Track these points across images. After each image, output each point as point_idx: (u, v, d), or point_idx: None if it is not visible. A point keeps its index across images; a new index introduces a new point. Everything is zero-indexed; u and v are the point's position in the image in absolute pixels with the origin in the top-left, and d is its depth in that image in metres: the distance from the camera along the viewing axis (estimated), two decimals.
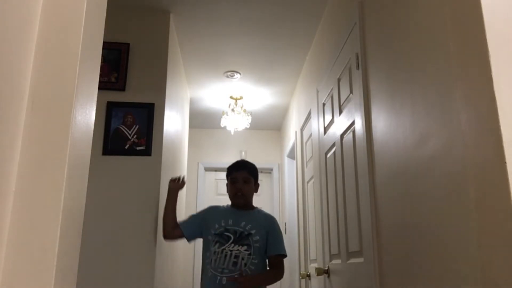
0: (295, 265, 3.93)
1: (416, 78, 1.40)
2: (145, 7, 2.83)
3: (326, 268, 2.52)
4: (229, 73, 3.80)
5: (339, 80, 2.37)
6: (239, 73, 3.81)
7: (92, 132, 0.96)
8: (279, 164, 5.19)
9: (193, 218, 2.35)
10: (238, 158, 5.33)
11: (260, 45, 3.33)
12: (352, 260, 2.07)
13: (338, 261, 2.31)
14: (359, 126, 1.98)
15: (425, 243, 1.31)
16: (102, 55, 2.26)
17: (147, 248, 2.33)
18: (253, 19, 2.99)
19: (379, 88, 1.76)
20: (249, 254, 2.10)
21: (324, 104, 2.72)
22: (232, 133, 4.52)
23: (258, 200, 5.20)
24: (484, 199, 0.98)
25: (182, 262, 4.09)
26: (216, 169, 5.17)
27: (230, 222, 2.17)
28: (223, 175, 5.13)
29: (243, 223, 2.16)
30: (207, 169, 5.16)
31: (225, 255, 2.10)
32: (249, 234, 2.13)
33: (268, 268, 2.20)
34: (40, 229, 0.75)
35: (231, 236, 2.13)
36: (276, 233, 2.21)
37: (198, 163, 5.12)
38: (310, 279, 3.16)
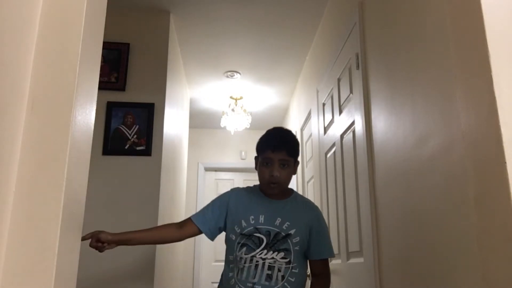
0: None
1: (416, 78, 1.40)
2: (145, 7, 2.83)
3: None
4: (229, 73, 3.80)
5: (339, 80, 2.37)
6: (239, 73, 3.81)
7: (92, 132, 0.96)
8: None
9: (212, 207, 1.74)
10: (238, 158, 5.37)
11: (260, 45, 3.33)
12: (352, 260, 2.07)
13: (338, 261, 2.31)
14: (359, 126, 1.98)
15: (425, 243, 1.31)
16: (102, 55, 2.27)
17: (147, 248, 2.33)
18: (253, 19, 2.99)
19: (379, 88, 1.76)
20: (288, 263, 1.59)
21: (324, 104, 2.72)
22: (232, 133, 4.52)
23: None
24: (484, 199, 0.98)
25: (182, 261, 4.09)
26: (216, 169, 5.17)
27: (262, 219, 1.64)
28: (223, 175, 5.20)
29: (278, 220, 1.63)
30: (207, 169, 5.16)
31: (256, 265, 1.60)
32: (288, 236, 1.61)
33: (311, 277, 1.70)
34: (40, 229, 0.75)
35: (264, 238, 1.62)
36: (323, 229, 1.67)
37: (198, 163, 5.11)
38: (310, 279, 3.15)
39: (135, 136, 2.54)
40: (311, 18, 2.96)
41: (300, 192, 3.74)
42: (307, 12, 2.90)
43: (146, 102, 2.62)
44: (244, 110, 4.24)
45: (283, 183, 1.65)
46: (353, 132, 2.08)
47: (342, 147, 2.27)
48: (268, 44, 3.32)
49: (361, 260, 1.92)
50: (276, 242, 1.60)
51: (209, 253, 4.89)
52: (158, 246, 2.40)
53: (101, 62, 1.69)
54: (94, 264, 2.18)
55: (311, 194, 3.24)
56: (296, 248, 1.60)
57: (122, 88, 2.62)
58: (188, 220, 1.69)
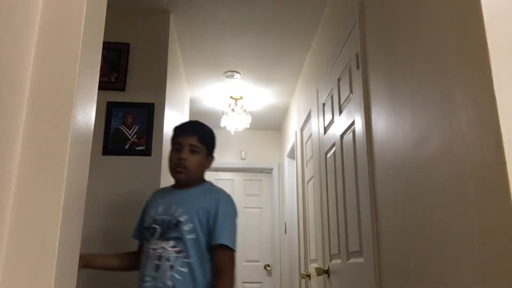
0: (295, 265, 3.93)
1: (416, 78, 1.40)
2: (145, 7, 2.83)
3: (326, 268, 2.52)
4: (229, 73, 3.80)
5: (339, 80, 2.37)
6: (239, 73, 3.81)
7: (92, 132, 0.96)
8: (279, 164, 5.19)
9: (141, 214, 1.77)
10: (238, 158, 5.37)
11: (260, 45, 3.33)
12: (352, 260, 2.07)
13: (338, 261, 2.31)
14: (359, 126, 1.98)
15: (425, 243, 1.31)
16: (102, 55, 2.27)
17: None
18: (253, 19, 2.99)
19: (379, 88, 1.76)
20: (179, 252, 1.49)
21: (324, 104, 2.72)
22: (232, 133, 4.52)
23: (259, 200, 5.25)
24: (484, 199, 0.98)
25: None
26: (216, 169, 5.17)
27: (160, 209, 1.59)
28: (223, 175, 5.21)
29: (173, 208, 1.56)
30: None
31: (148, 256, 1.54)
32: (178, 223, 1.52)
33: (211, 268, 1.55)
34: (40, 229, 0.75)
35: (158, 228, 1.56)
36: (222, 215, 1.56)
37: None
38: (310, 279, 3.16)
39: (135, 136, 2.54)
40: (311, 18, 2.96)
41: (300, 192, 3.73)
42: (307, 12, 2.90)
43: (146, 102, 2.62)
44: (244, 110, 4.24)
45: (191, 169, 1.62)
46: (353, 132, 2.08)
47: (342, 147, 2.27)
48: (268, 44, 3.32)
49: (361, 260, 1.92)
50: (167, 230, 1.53)
51: None
52: None
53: (101, 62, 1.69)
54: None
55: (311, 194, 3.24)
56: (191, 236, 1.51)
57: (122, 88, 2.62)
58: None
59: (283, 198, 4.83)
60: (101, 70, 1.31)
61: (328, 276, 2.49)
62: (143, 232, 1.62)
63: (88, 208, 1.00)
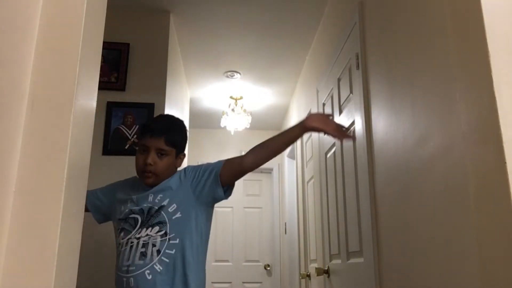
0: (295, 265, 3.93)
1: (416, 78, 1.40)
2: (145, 7, 2.83)
3: (326, 268, 2.52)
4: (229, 73, 3.80)
5: (339, 80, 2.37)
6: (239, 73, 3.81)
7: (92, 132, 0.96)
8: (279, 164, 5.18)
9: (106, 190, 1.71)
10: None
11: (260, 45, 3.33)
12: (352, 260, 2.07)
13: (338, 261, 2.31)
14: (359, 126, 1.98)
15: (425, 243, 1.31)
16: (102, 55, 2.26)
17: None
18: (253, 19, 2.99)
19: (379, 88, 1.76)
20: (164, 235, 1.46)
21: (324, 104, 2.72)
22: (232, 133, 4.52)
23: (259, 200, 5.25)
24: (484, 199, 0.98)
25: None
26: None
27: (135, 199, 1.54)
28: None
29: (151, 196, 1.52)
30: None
31: (131, 247, 1.48)
32: (161, 208, 1.49)
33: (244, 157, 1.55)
34: (40, 229, 0.75)
35: (139, 217, 1.51)
36: (199, 168, 1.57)
37: (198, 163, 5.11)
38: (310, 279, 3.16)
39: (135, 136, 2.55)
40: (311, 18, 2.96)
41: (300, 192, 3.73)
42: (307, 12, 2.90)
43: (146, 102, 2.62)
44: (244, 110, 4.24)
45: (160, 173, 1.54)
46: (353, 132, 2.08)
47: (342, 147, 2.27)
48: (268, 44, 3.32)
49: (361, 260, 1.92)
50: (150, 217, 1.49)
51: (209, 253, 4.87)
52: None
53: (101, 62, 1.69)
54: (95, 264, 2.18)
55: (311, 194, 3.24)
56: (176, 216, 1.48)
57: (122, 88, 2.62)
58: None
59: (283, 198, 4.83)
60: (101, 70, 1.31)
61: (328, 276, 2.49)
62: (120, 224, 1.54)
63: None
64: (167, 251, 1.45)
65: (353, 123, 2.09)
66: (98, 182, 2.39)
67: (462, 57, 1.08)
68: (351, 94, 2.14)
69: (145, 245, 1.46)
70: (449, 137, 1.17)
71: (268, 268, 4.95)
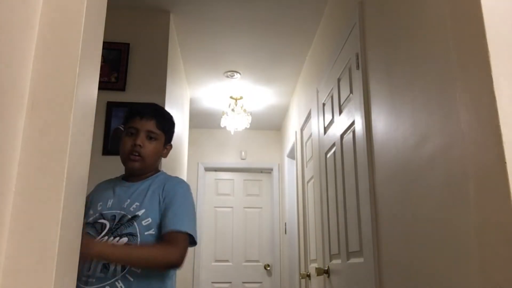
0: (295, 265, 3.93)
1: (416, 78, 1.40)
2: (145, 7, 2.83)
3: (326, 268, 2.52)
4: (229, 73, 3.80)
5: (339, 80, 2.37)
6: (239, 73, 3.81)
7: (92, 132, 0.96)
8: (279, 164, 5.19)
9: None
10: (238, 158, 5.38)
11: (260, 45, 3.33)
12: (352, 260, 2.07)
13: (338, 261, 2.31)
14: (359, 126, 1.98)
15: (425, 243, 1.31)
16: (102, 55, 2.27)
17: None
18: (253, 19, 2.99)
19: (379, 88, 1.76)
20: None
21: (324, 104, 2.72)
22: (232, 133, 4.52)
23: (259, 200, 5.25)
24: (484, 199, 0.98)
25: None
26: (216, 169, 5.17)
27: (110, 203, 1.40)
28: (223, 175, 5.21)
29: (127, 202, 1.38)
30: (207, 169, 5.17)
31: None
32: (134, 217, 1.34)
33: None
34: (40, 229, 0.75)
35: (107, 224, 1.35)
36: (178, 202, 1.38)
37: (198, 163, 5.12)
38: (310, 279, 3.16)
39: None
40: (311, 18, 2.96)
41: (300, 192, 3.73)
42: (307, 12, 2.90)
43: (146, 102, 2.62)
44: (244, 110, 4.24)
45: (147, 158, 1.43)
46: (353, 132, 2.08)
47: (342, 147, 2.27)
48: (268, 44, 3.32)
49: (361, 260, 1.92)
50: (120, 226, 1.34)
51: (209, 253, 4.89)
52: None
53: (101, 62, 1.69)
54: None
55: (311, 194, 3.24)
56: (149, 232, 1.32)
57: (122, 88, 2.62)
58: None
59: (283, 198, 4.83)
60: (101, 70, 1.31)
61: (328, 276, 2.49)
62: (85, 228, 1.36)
63: None
64: (133, 269, 1.30)
65: (353, 123, 2.09)
66: (98, 182, 2.39)
67: (462, 57, 1.08)
68: (351, 94, 2.14)
69: None
70: (449, 137, 1.17)
71: (268, 268, 4.95)
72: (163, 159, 2.56)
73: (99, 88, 1.03)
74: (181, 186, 1.44)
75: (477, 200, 1.01)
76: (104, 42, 1.05)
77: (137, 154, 1.42)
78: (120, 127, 2.52)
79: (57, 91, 0.81)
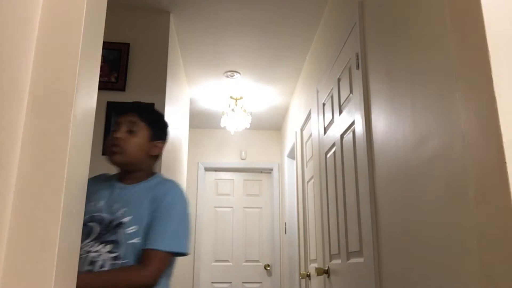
0: (295, 265, 3.93)
1: (416, 78, 1.40)
2: (145, 7, 2.83)
3: (326, 268, 2.52)
4: (229, 73, 3.80)
5: (339, 80, 2.37)
6: (239, 73, 3.81)
7: (92, 132, 0.96)
8: (279, 164, 5.19)
9: None
10: (238, 158, 5.38)
11: (260, 45, 3.33)
12: (352, 260, 2.07)
13: (338, 261, 2.31)
14: (359, 126, 1.98)
15: (425, 243, 1.31)
16: (102, 55, 2.27)
17: None
18: (253, 19, 2.99)
19: (379, 88, 1.76)
20: (115, 258, 1.26)
21: (324, 104, 2.72)
22: (232, 133, 4.52)
23: (259, 200, 5.25)
24: (484, 199, 0.98)
25: (182, 261, 4.09)
26: (216, 169, 5.17)
27: (100, 205, 1.35)
28: (223, 175, 5.21)
29: (116, 206, 1.33)
30: (207, 169, 5.17)
31: (80, 259, 1.15)
32: (120, 225, 1.29)
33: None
34: (40, 229, 0.75)
35: (96, 228, 1.31)
36: (162, 215, 1.31)
37: (198, 163, 5.12)
38: (310, 279, 3.16)
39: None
40: (311, 18, 2.97)
41: (300, 192, 3.73)
42: (307, 12, 2.90)
43: (146, 102, 2.62)
44: (244, 110, 4.24)
45: (128, 150, 1.37)
46: (353, 132, 2.08)
47: (342, 147, 2.27)
48: (268, 44, 3.32)
49: (361, 260, 1.92)
50: (106, 232, 1.29)
51: (209, 253, 4.89)
52: None
53: (101, 62, 1.69)
54: None
55: (311, 194, 3.24)
56: (133, 241, 1.26)
57: (122, 88, 2.62)
58: None
59: (283, 198, 4.83)
60: (101, 70, 1.31)
61: (328, 276, 2.49)
62: None
63: None
64: None
65: (353, 123, 2.09)
66: None
67: (462, 57, 1.08)
68: (351, 94, 2.14)
69: (93, 262, 1.26)
70: (449, 137, 1.17)
71: (268, 268, 4.95)
72: (163, 159, 2.56)
73: (99, 88, 1.03)
74: (170, 194, 1.36)
75: (477, 200, 1.01)
76: (104, 42, 1.05)
77: (116, 145, 1.37)
78: None
79: (57, 91, 0.81)
